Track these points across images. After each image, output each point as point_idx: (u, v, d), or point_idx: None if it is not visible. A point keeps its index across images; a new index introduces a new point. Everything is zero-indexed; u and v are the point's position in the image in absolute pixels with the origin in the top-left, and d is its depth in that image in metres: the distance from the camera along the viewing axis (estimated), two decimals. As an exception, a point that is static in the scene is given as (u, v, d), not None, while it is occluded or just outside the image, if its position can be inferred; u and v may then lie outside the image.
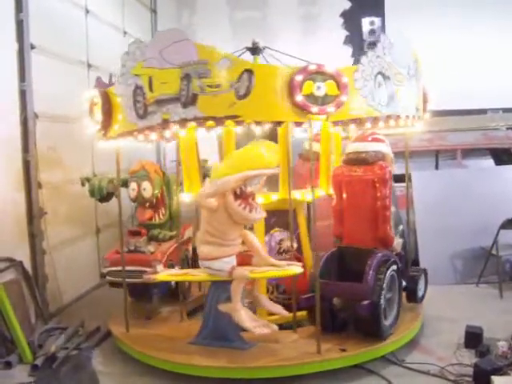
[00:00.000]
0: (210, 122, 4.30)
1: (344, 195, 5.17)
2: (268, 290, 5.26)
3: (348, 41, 9.77)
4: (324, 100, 4.23)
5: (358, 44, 9.57)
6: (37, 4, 6.00)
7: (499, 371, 4.10)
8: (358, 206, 5.07)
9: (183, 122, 4.28)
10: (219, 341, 4.70)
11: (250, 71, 4.21)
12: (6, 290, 5.04)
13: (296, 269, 4.59)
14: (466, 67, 8.92)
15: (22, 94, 5.85)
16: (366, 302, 4.59)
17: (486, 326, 5.01)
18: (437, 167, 8.75)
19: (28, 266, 5.79)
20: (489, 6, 9.20)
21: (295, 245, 5.21)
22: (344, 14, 9.84)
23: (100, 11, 7.69)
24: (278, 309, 4.77)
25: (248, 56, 5.24)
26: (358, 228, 5.09)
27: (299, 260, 5.31)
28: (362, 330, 4.81)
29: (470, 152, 8.77)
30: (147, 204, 5.82)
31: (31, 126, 5.90)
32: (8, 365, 4.81)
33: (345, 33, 9.83)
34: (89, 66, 7.21)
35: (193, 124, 4.30)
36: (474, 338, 4.89)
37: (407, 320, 5.20)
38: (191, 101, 4.21)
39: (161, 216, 5.88)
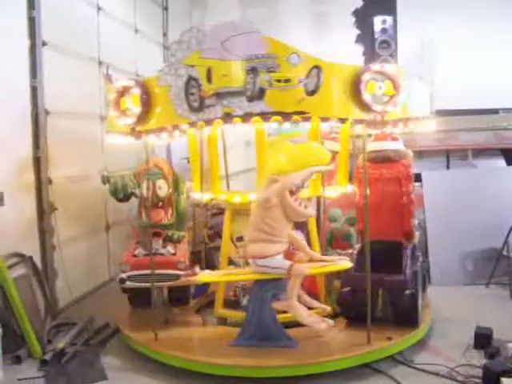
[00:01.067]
0: (277, 117, 4.25)
1: (369, 192, 5.15)
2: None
3: (359, 39, 9.73)
4: (382, 99, 4.31)
5: (370, 43, 9.52)
6: (49, 1, 6.02)
7: (509, 373, 4.06)
8: (384, 202, 5.19)
9: (248, 116, 4.22)
10: (265, 341, 4.62)
11: (318, 67, 4.24)
12: (16, 285, 5.07)
13: (346, 263, 4.68)
14: (478, 66, 8.83)
15: (34, 91, 5.87)
16: (408, 292, 4.83)
17: (496, 327, 4.97)
18: (448, 167, 8.70)
19: (38, 261, 5.82)
20: (502, 5, 9.11)
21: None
22: (356, 13, 9.81)
23: (111, 8, 7.69)
24: (319, 305, 4.89)
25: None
26: (384, 223, 5.15)
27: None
28: (400, 320, 4.97)
29: (482, 152, 8.71)
30: (160, 204, 5.63)
31: (42, 122, 5.93)
32: (17, 359, 4.84)
33: (356, 31, 9.79)
34: (100, 63, 7.21)
35: (257, 118, 4.24)
36: (483, 339, 4.85)
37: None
38: (258, 95, 4.16)
39: (169, 216, 5.67)
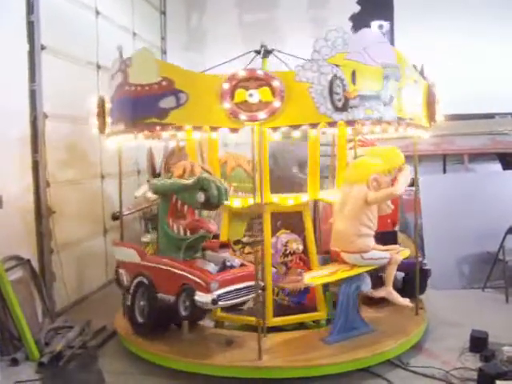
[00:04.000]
0: (397, 125, 4.64)
1: None
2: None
3: (357, 44, 9.77)
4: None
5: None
6: (47, 6, 6.05)
7: (503, 376, 4.09)
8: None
9: (380, 120, 4.48)
10: (350, 331, 4.89)
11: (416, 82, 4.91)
12: (13, 288, 5.08)
13: (407, 251, 5.24)
14: (474, 71, 8.88)
15: (32, 94, 5.90)
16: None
17: (492, 331, 5.01)
18: (444, 171, 8.73)
19: (36, 264, 5.84)
20: (498, 11, 9.16)
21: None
22: (353, 18, 9.83)
23: (110, 13, 7.74)
24: (405, 301, 5.14)
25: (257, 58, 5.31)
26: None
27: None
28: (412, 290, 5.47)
29: (478, 156, 8.75)
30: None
31: (40, 125, 5.95)
32: (15, 362, 4.84)
33: (353, 36, 9.83)
34: (98, 66, 7.25)
35: (386, 125, 4.57)
36: (479, 343, 4.89)
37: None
38: (389, 101, 4.46)
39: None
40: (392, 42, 9.38)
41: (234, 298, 4.53)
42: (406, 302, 5.12)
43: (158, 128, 4.51)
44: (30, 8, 5.84)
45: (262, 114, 4.32)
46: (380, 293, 5.11)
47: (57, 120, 6.27)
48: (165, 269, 4.76)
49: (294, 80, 4.35)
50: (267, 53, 5.31)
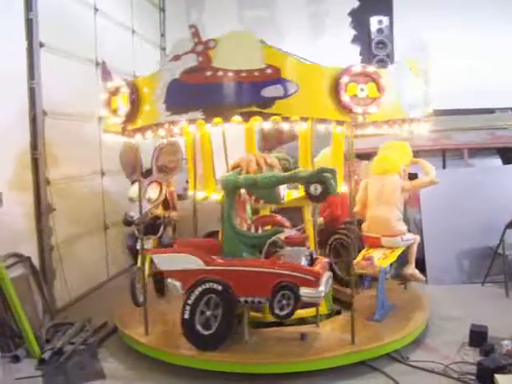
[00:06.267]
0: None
1: None
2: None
3: (356, 40, 9.77)
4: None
5: (366, 43, 9.57)
6: (46, 3, 6.05)
7: (503, 369, 4.10)
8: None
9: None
10: (387, 308, 5.31)
11: None
12: (14, 285, 5.09)
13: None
14: (474, 66, 8.88)
15: (31, 92, 5.90)
16: None
17: (491, 325, 5.01)
18: (444, 166, 8.72)
19: (36, 261, 5.85)
20: (497, 6, 9.16)
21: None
22: (352, 13, 9.84)
23: (109, 10, 7.74)
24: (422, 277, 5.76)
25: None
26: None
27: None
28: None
29: (478, 151, 8.74)
30: None
31: (40, 123, 5.96)
32: (16, 358, 4.87)
33: (353, 32, 9.83)
34: (97, 64, 7.25)
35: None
36: (478, 337, 4.90)
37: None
38: None
39: None
40: (391, 38, 9.39)
41: (327, 288, 4.65)
42: (422, 277, 5.76)
43: (257, 117, 4.24)
44: (29, 5, 5.84)
45: (372, 108, 4.46)
46: (408, 270, 5.61)
47: (56, 117, 6.27)
48: (250, 270, 4.54)
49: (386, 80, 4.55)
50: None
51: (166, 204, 6.08)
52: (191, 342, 4.64)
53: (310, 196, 4.47)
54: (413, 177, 5.92)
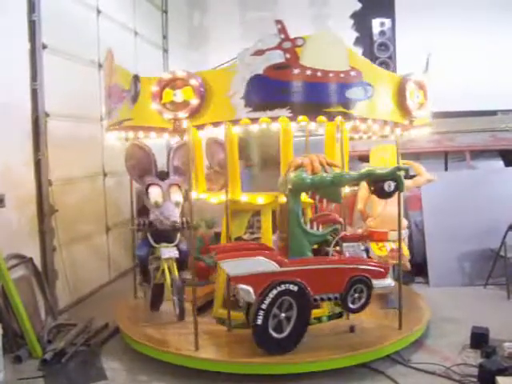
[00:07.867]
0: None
1: None
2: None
3: (358, 42, 9.77)
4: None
5: (368, 45, 9.57)
6: (49, 5, 6.07)
7: (504, 372, 4.09)
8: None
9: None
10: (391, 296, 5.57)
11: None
12: (16, 286, 5.10)
13: None
14: (476, 68, 8.88)
15: (34, 93, 5.91)
16: None
17: (493, 327, 5.02)
18: (446, 168, 8.73)
19: (38, 262, 5.86)
20: (499, 8, 9.16)
21: None
22: (354, 15, 9.86)
23: (111, 12, 7.76)
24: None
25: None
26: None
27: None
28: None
29: (480, 153, 8.75)
30: None
31: (42, 124, 5.97)
32: (18, 359, 4.87)
33: (355, 34, 9.84)
34: (100, 65, 7.27)
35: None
36: (480, 339, 4.89)
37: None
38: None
39: None
40: (393, 40, 9.39)
41: None
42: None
43: (340, 118, 4.34)
44: (32, 7, 5.85)
45: (421, 112, 4.95)
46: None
47: (58, 119, 6.29)
48: (325, 268, 4.60)
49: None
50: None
51: None
52: (264, 348, 4.51)
53: (381, 192, 4.53)
54: (411, 177, 5.94)
